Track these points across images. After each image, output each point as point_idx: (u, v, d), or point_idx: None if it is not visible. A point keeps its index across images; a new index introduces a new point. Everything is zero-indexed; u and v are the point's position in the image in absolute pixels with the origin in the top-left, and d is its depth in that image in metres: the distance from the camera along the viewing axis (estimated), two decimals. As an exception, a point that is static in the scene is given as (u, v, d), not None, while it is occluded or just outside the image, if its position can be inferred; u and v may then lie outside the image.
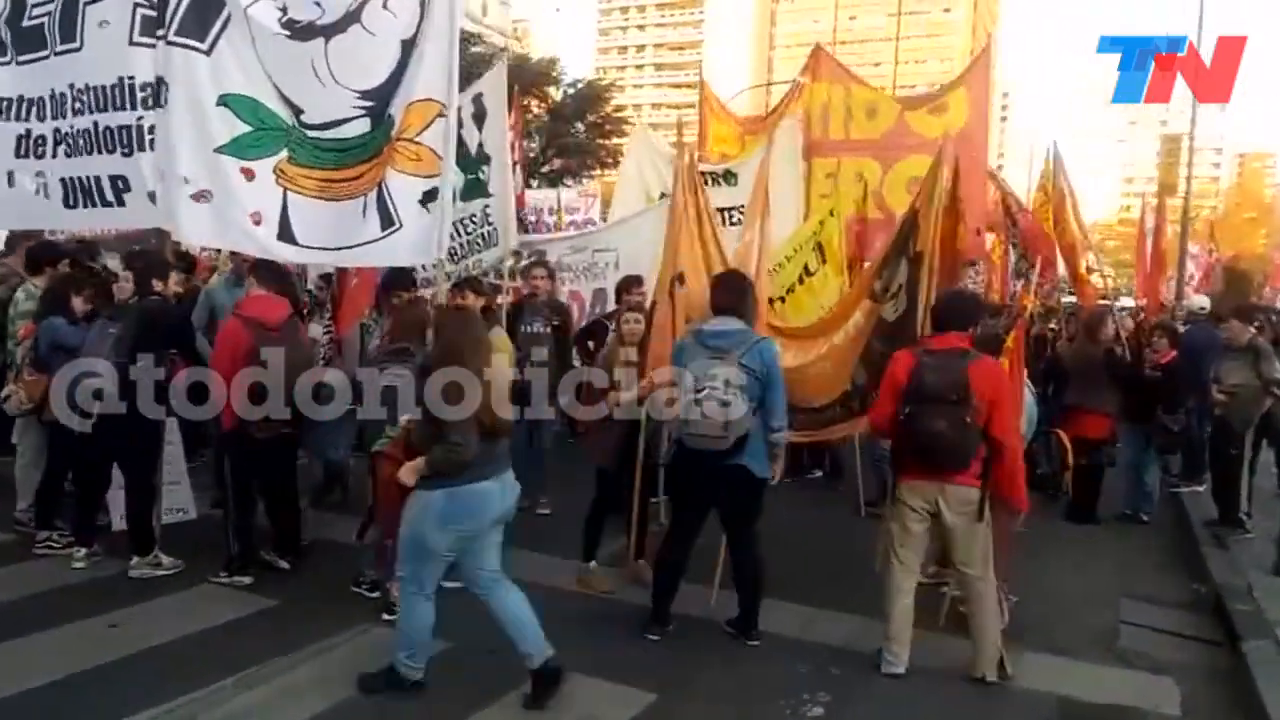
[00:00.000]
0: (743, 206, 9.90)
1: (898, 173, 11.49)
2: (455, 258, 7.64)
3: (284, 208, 5.06)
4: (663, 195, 10.48)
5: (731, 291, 5.28)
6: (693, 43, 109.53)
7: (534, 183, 29.35)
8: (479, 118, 7.27)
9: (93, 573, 5.76)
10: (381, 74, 5.17)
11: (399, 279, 6.48)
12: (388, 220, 5.02)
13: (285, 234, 5.05)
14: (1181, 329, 9.83)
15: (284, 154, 5.12)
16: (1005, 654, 4.96)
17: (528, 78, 41.70)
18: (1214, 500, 8.17)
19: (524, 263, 8.29)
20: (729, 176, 10.31)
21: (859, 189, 11.48)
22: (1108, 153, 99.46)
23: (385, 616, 5.10)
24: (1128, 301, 18.79)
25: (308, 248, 5.12)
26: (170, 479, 6.29)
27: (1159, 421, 8.13)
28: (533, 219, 14.30)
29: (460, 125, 7.44)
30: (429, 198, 5.01)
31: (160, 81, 5.19)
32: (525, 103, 40.13)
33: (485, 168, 7.26)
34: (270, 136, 5.13)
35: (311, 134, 5.18)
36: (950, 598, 5.50)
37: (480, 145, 7.27)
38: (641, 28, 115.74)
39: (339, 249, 5.16)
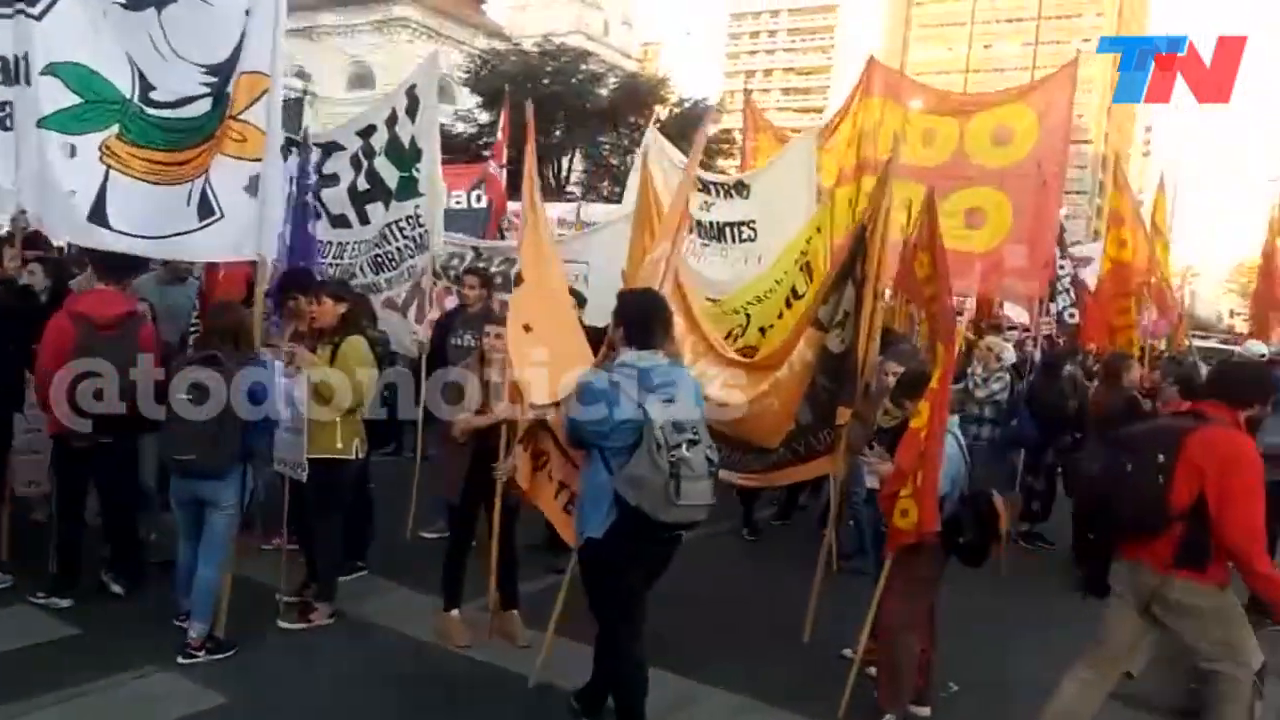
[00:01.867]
0: (754, 221, 9.15)
1: (952, 204, 10.61)
2: (392, 264, 7.12)
3: (103, 187, 4.57)
4: (672, 207, 9.74)
5: (661, 316, 4.18)
6: (821, 68, 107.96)
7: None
8: (412, 111, 6.72)
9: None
10: (225, 48, 4.64)
11: (296, 279, 5.91)
12: (207, 209, 4.47)
13: (98, 215, 4.55)
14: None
15: (114, 129, 4.64)
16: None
17: (636, 97, 41.87)
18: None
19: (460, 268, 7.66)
20: (740, 188, 9.49)
21: (902, 214, 10.65)
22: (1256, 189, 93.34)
23: (183, 659, 4.55)
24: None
25: (121, 233, 4.59)
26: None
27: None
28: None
29: (395, 121, 6.98)
30: (254, 184, 4.43)
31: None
32: (631, 120, 40.59)
33: (418, 165, 6.69)
34: (101, 110, 4.66)
35: (153, 111, 4.71)
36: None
37: (413, 140, 6.71)
38: (771, 52, 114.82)
39: (154, 238, 4.62)
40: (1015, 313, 17.67)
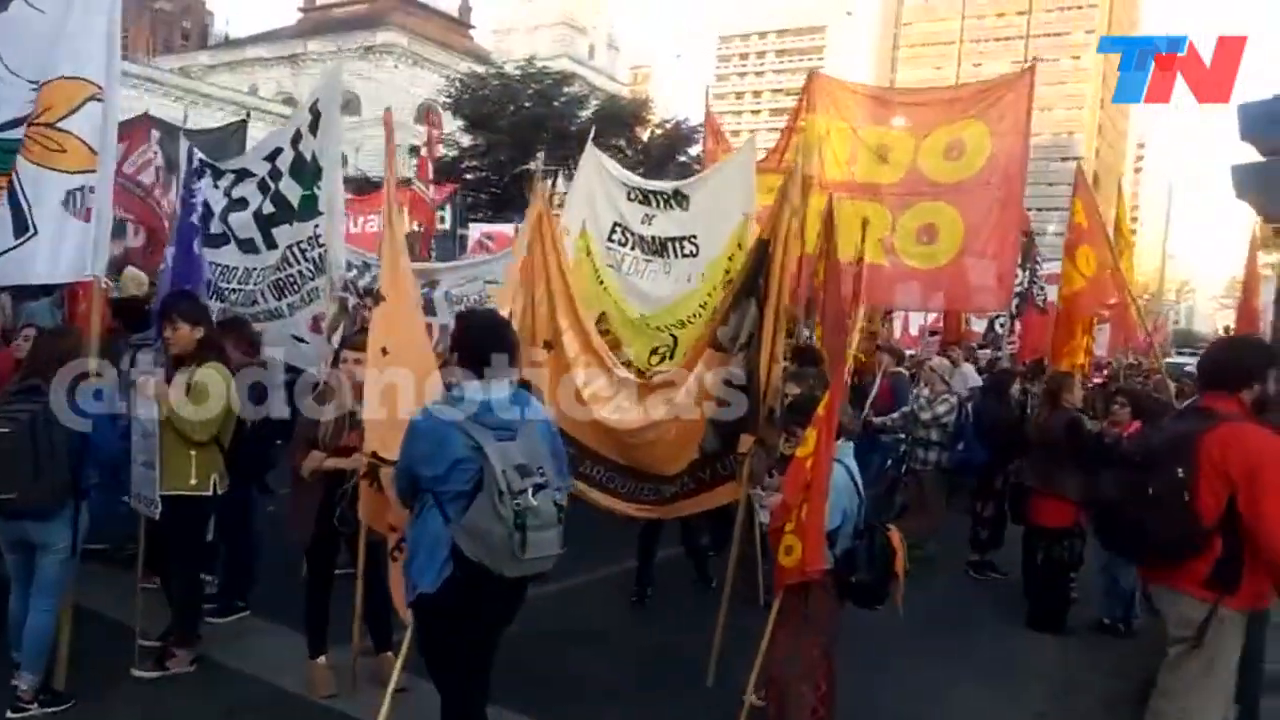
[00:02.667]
0: (695, 236, 8.83)
1: (905, 221, 10.35)
2: (293, 288, 6.78)
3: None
4: (616, 225, 9.45)
5: (506, 339, 3.63)
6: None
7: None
8: (315, 127, 6.40)
9: None
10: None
11: (177, 302, 5.56)
12: (21, 226, 4.11)
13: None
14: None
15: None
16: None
17: (619, 118, 41.82)
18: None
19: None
20: (679, 198, 9.15)
21: (860, 233, 10.37)
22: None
23: (12, 714, 4.18)
24: None
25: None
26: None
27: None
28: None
29: (299, 139, 6.66)
30: (73, 199, 4.09)
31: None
32: (614, 143, 40.54)
33: (319, 183, 6.36)
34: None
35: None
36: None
37: (314, 156, 6.39)
38: (759, 74, 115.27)
39: (-27, 261, 4.26)
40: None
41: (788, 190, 5.21)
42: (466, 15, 70.78)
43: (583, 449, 5.80)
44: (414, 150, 41.05)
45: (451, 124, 41.25)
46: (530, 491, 3.25)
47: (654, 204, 9.13)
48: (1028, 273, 13.10)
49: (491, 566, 3.27)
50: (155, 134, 9.88)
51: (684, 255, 8.53)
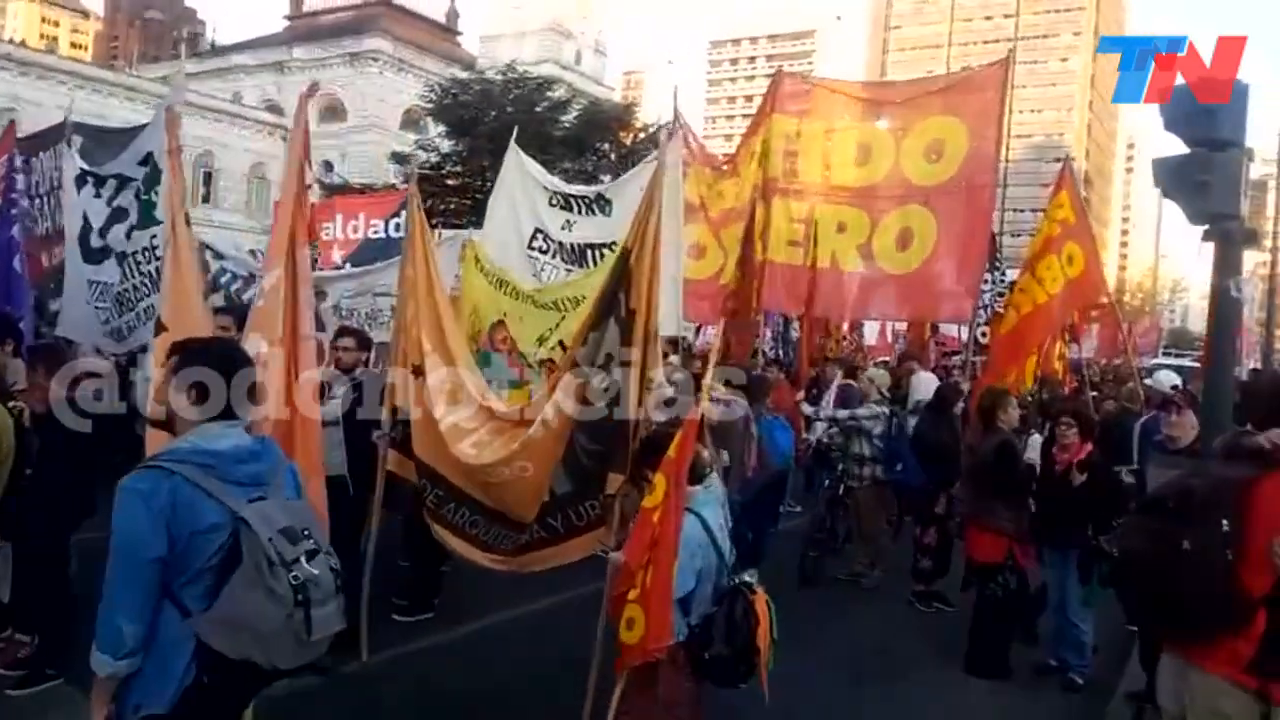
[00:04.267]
0: (614, 244, 8.26)
1: (885, 226, 9.76)
2: (128, 305, 6.14)
3: None
4: (537, 230, 8.86)
5: (242, 371, 2.86)
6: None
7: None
8: (155, 128, 5.79)
9: None
10: None
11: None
12: None
13: None
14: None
15: None
16: None
17: (602, 124, 41.21)
18: (1141, 663, 5.47)
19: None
20: (602, 203, 8.63)
21: (838, 240, 9.87)
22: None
23: None
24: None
25: None
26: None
27: (1091, 544, 5.77)
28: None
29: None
30: None
31: None
32: (598, 146, 39.95)
33: (158, 188, 5.74)
34: None
35: None
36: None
37: (152, 158, 5.77)
38: (750, 78, 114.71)
39: None
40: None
41: (653, 196, 4.56)
42: (454, 21, 70.22)
43: (450, 489, 5.18)
44: (396, 157, 40.64)
45: (434, 130, 40.74)
46: (304, 558, 2.61)
47: (575, 209, 8.67)
48: (994, 280, 12.45)
49: (263, 661, 2.58)
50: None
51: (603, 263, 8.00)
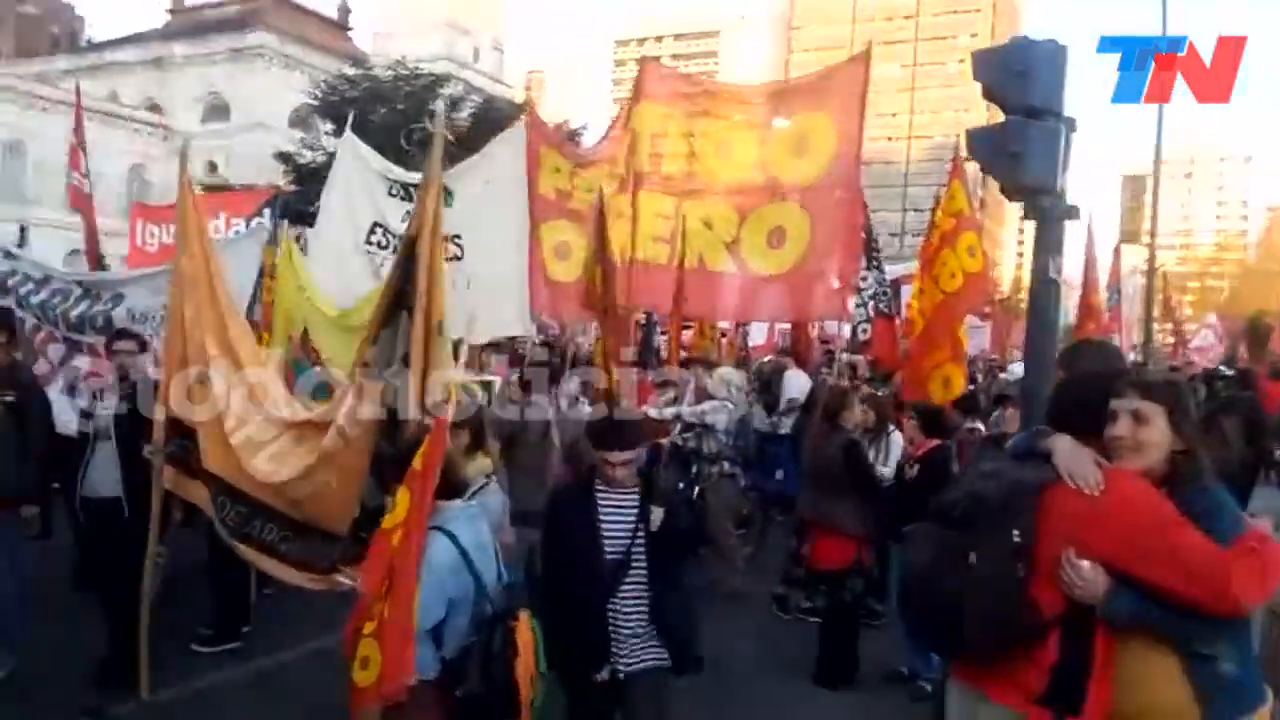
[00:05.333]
0: (459, 236, 7.81)
1: (753, 223, 9.39)
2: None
3: None
4: (376, 225, 8.30)
5: None
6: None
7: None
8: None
9: None
10: None
11: None
12: None
13: None
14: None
15: None
16: None
17: (496, 121, 40.46)
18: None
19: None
20: (443, 193, 8.10)
21: (705, 237, 9.54)
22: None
23: None
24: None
25: None
26: None
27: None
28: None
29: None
30: None
31: None
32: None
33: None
34: None
35: None
36: None
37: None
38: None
39: None
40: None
41: (429, 180, 4.12)
42: (345, 17, 68.24)
43: (254, 504, 4.66)
44: (283, 156, 39.23)
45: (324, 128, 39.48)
46: None
47: (415, 199, 8.12)
48: (873, 276, 12.31)
49: None
50: None
51: (446, 259, 7.51)
